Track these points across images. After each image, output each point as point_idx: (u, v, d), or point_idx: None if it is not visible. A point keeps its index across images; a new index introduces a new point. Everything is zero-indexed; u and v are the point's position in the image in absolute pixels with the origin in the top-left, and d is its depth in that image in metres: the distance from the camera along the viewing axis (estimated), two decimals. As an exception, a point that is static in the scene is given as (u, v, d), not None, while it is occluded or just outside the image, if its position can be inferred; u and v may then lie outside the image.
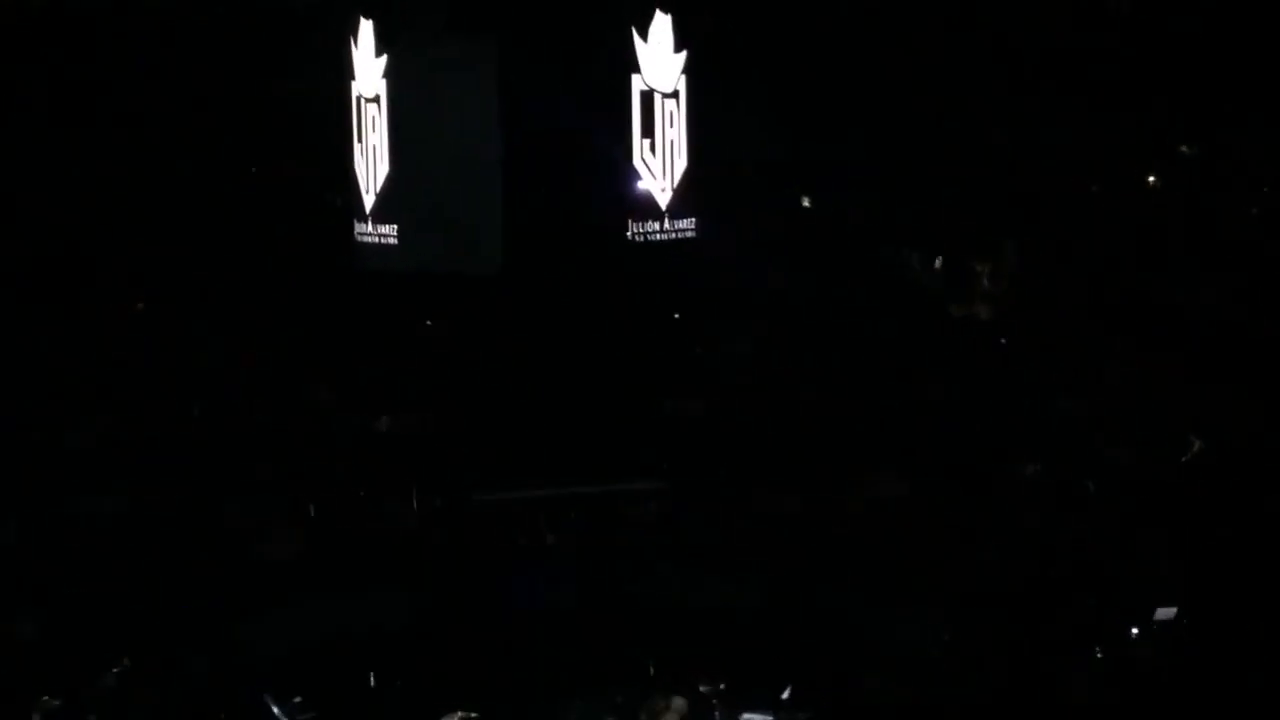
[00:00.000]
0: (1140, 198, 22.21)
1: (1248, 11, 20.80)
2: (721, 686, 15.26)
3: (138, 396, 18.91)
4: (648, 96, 19.36)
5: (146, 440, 18.15)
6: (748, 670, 15.89)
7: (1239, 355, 19.29)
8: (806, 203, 23.23)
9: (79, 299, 20.18)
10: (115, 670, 14.58)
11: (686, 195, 19.19)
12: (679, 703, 14.71)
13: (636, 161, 19.20)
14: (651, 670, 15.72)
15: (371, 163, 19.53)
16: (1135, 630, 14.55)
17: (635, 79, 19.00)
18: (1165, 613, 14.42)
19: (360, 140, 19.63)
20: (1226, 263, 20.83)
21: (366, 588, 16.91)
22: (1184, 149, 21.92)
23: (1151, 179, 22.22)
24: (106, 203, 21.08)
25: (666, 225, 19.38)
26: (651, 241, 19.24)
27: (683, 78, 19.27)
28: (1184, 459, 17.95)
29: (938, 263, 21.89)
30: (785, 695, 14.92)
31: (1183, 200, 21.86)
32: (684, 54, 19.30)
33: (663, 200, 19.42)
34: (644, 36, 19.10)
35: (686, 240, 19.26)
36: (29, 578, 15.56)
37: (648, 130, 19.36)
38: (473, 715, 14.60)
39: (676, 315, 21.26)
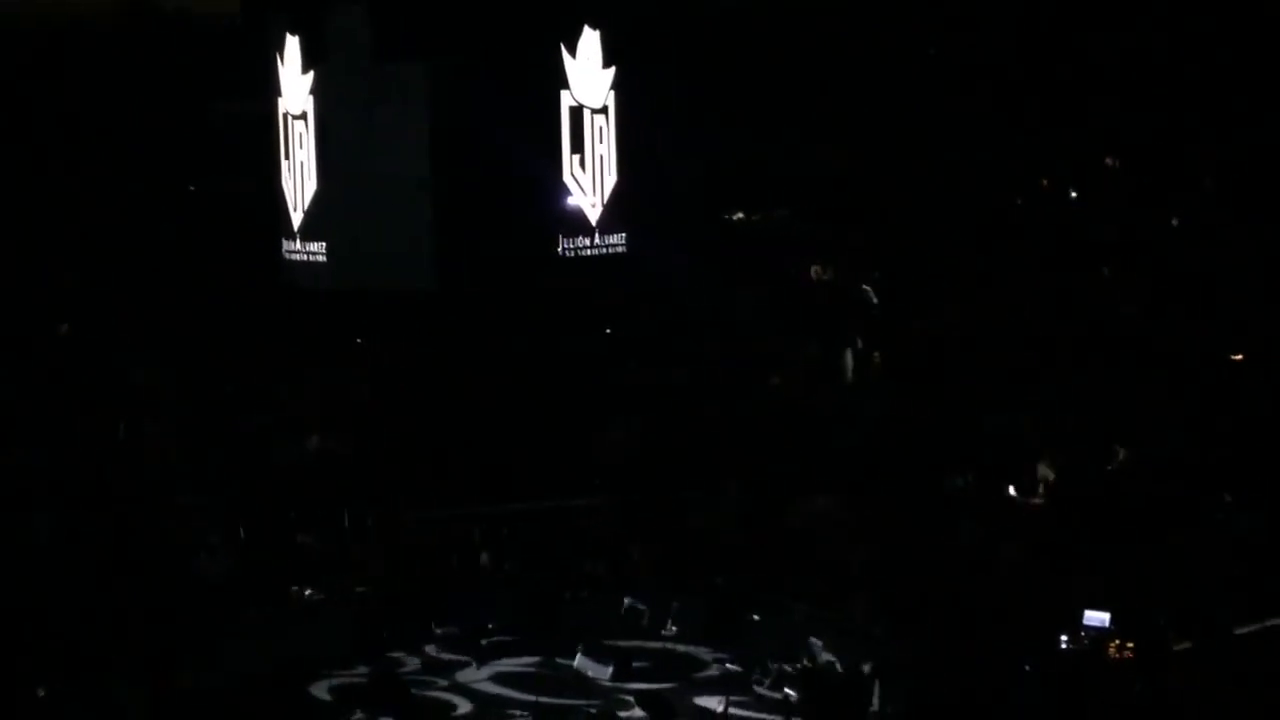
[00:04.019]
0: (1063, 212, 22.54)
1: (1175, 27, 21.23)
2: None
3: (63, 418, 18.64)
4: (577, 112, 19.42)
5: (72, 462, 17.88)
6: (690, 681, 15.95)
7: (1160, 365, 19.58)
8: (739, 217, 23.39)
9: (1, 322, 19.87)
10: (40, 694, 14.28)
11: (617, 210, 19.27)
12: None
13: (566, 177, 19.25)
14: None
15: (299, 180, 19.40)
16: (1065, 638, 14.66)
17: (564, 95, 19.06)
18: (1096, 618, 14.55)
19: (288, 157, 19.52)
20: (1147, 276, 21.17)
21: (298, 608, 16.71)
22: (1109, 161, 22.25)
23: (1073, 193, 22.55)
24: (27, 224, 20.82)
25: (597, 240, 19.44)
26: (582, 257, 19.29)
27: (612, 93, 19.36)
28: (1109, 468, 18.17)
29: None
30: (721, 709, 14.94)
31: (1104, 213, 22.20)
32: (613, 70, 19.40)
33: (593, 216, 19.47)
34: (572, 53, 19.16)
35: (618, 255, 19.34)
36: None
37: (577, 146, 19.42)
38: None
39: (609, 330, 21.27)
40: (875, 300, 21.59)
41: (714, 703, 14.85)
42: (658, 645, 16.63)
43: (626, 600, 16.98)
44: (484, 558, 17.63)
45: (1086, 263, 21.74)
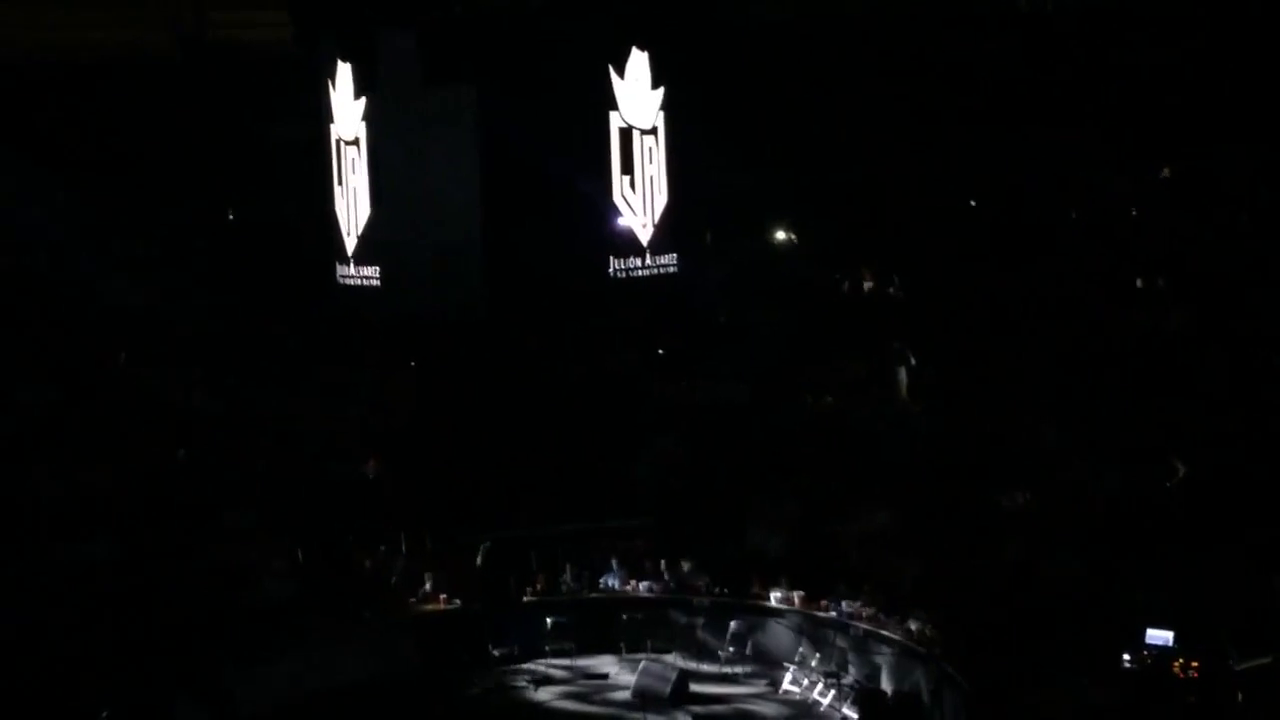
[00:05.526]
0: (1120, 224, 22.36)
1: (1221, 37, 21.07)
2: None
3: (123, 443, 18.82)
4: (626, 133, 19.46)
5: (133, 487, 18.05)
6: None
7: (1220, 379, 19.37)
8: (786, 235, 23.36)
9: (62, 349, 20.09)
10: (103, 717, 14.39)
11: (667, 230, 19.31)
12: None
13: (616, 198, 19.30)
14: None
15: (352, 204, 19.55)
16: (1127, 656, 14.52)
17: (613, 116, 19.12)
18: (1160, 637, 14.39)
19: (340, 183, 19.69)
20: (1205, 289, 20.96)
21: (357, 631, 16.79)
22: (1165, 172, 22.06)
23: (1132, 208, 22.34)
24: (86, 250, 21.05)
25: (648, 261, 19.48)
26: (634, 277, 19.34)
27: (661, 114, 19.40)
28: (1169, 484, 17.98)
29: None
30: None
31: (1161, 225, 22.01)
32: (661, 90, 19.44)
33: (644, 236, 19.50)
34: (621, 74, 19.21)
35: (669, 275, 19.38)
36: (15, 624, 15.37)
37: (627, 167, 19.46)
38: None
39: (661, 351, 21.29)
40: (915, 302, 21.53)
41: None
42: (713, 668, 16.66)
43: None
44: (540, 578, 17.67)
45: (1139, 274, 21.57)
